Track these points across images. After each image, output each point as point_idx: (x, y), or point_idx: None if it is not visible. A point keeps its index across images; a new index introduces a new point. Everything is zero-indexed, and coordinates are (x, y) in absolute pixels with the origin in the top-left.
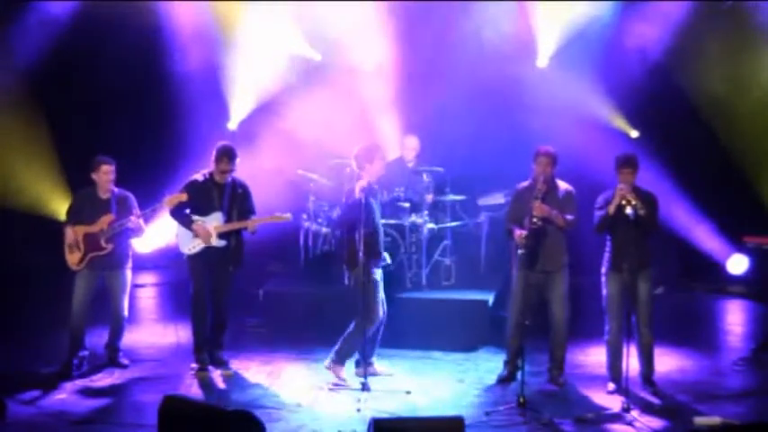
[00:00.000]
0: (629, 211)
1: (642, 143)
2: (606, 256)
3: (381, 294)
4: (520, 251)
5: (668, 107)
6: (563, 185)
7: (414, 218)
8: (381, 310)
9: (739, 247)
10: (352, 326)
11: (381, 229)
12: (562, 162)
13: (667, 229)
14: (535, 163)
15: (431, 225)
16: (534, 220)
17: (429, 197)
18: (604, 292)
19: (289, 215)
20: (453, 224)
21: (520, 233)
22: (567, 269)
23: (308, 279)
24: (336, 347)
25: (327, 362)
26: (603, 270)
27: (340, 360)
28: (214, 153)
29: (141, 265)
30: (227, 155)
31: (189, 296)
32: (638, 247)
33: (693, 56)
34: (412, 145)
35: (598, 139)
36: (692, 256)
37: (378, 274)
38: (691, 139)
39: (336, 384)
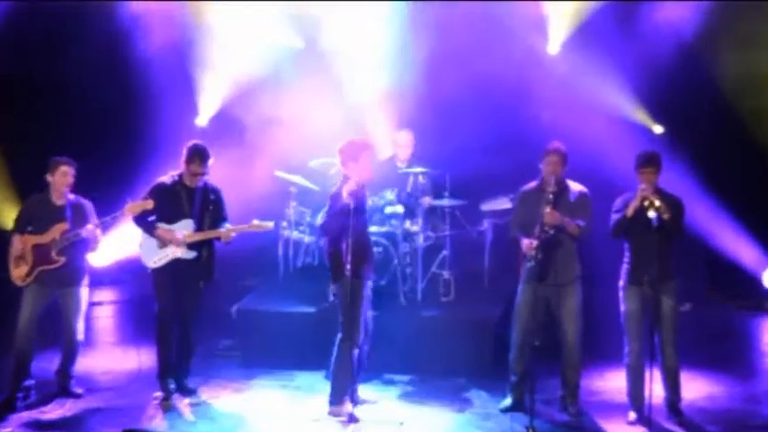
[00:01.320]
0: (652, 214)
1: (667, 140)
2: (625, 267)
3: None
4: (529, 263)
5: (697, 99)
6: (576, 187)
7: (408, 225)
8: (364, 329)
9: None
10: (335, 355)
11: (370, 238)
12: (575, 161)
13: (695, 238)
14: (543, 162)
15: (427, 233)
16: (546, 228)
17: (425, 201)
18: (623, 308)
19: (270, 223)
20: (453, 232)
21: (529, 243)
22: (579, 281)
23: (288, 295)
24: (331, 388)
25: (329, 409)
26: (621, 283)
27: (339, 399)
28: (185, 153)
29: (98, 280)
30: (200, 156)
31: (153, 315)
32: (662, 257)
33: (727, 41)
34: (406, 141)
35: (616, 135)
36: (723, 268)
37: (367, 288)
38: (722, 135)
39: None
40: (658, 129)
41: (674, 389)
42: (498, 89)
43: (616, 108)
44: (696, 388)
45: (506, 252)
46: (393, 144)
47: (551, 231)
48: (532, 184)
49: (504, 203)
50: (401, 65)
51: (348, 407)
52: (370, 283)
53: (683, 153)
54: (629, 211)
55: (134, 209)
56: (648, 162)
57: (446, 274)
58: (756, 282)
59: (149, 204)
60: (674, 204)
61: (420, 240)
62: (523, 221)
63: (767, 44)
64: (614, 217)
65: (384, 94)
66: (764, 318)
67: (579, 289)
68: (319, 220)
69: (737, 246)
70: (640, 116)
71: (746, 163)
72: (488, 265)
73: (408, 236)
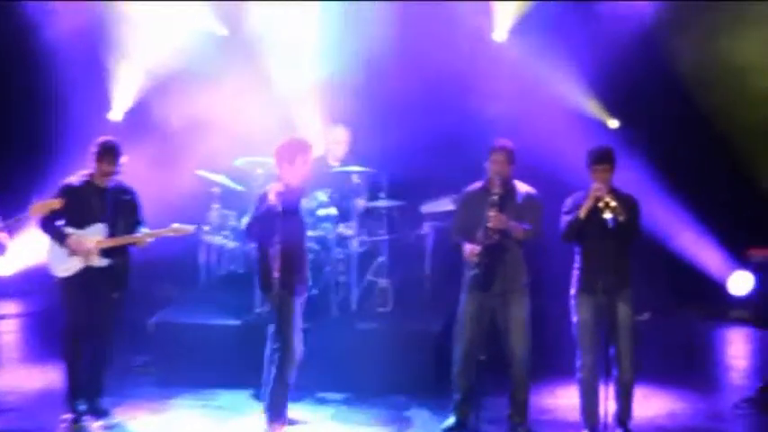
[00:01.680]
0: (608, 215)
1: (623, 135)
2: (576, 273)
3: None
4: (472, 271)
5: (657, 91)
6: (523, 188)
7: (341, 229)
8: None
9: (743, 261)
10: (273, 371)
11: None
12: (524, 158)
13: (654, 241)
14: (489, 161)
15: (362, 238)
16: (490, 233)
17: (360, 203)
18: (575, 318)
19: (190, 227)
20: (390, 237)
21: (472, 249)
22: (527, 290)
23: (211, 306)
24: (266, 403)
25: (266, 426)
26: (573, 291)
27: (278, 416)
28: (95, 150)
29: (2, 291)
30: (111, 153)
31: (61, 329)
32: (617, 262)
33: (690, 29)
34: (340, 138)
35: (568, 129)
36: (684, 274)
37: (297, 303)
38: (683, 130)
39: None
40: (614, 123)
41: (625, 405)
42: (441, 81)
43: (569, 100)
44: (656, 404)
45: (449, 258)
46: (327, 141)
47: (496, 237)
48: (477, 184)
49: (446, 205)
50: (336, 54)
51: (285, 429)
52: (301, 299)
53: (640, 149)
54: (582, 213)
55: (40, 209)
56: (602, 159)
57: (383, 282)
58: (722, 288)
59: (57, 204)
60: (628, 205)
61: (354, 245)
62: (466, 225)
63: (733, 33)
64: (565, 219)
65: (317, 87)
66: (730, 328)
67: (526, 298)
68: (243, 225)
69: (701, 249)
70: (595, 109)
71: (710, 160)
72: (429, 272)
73: (342, 240)
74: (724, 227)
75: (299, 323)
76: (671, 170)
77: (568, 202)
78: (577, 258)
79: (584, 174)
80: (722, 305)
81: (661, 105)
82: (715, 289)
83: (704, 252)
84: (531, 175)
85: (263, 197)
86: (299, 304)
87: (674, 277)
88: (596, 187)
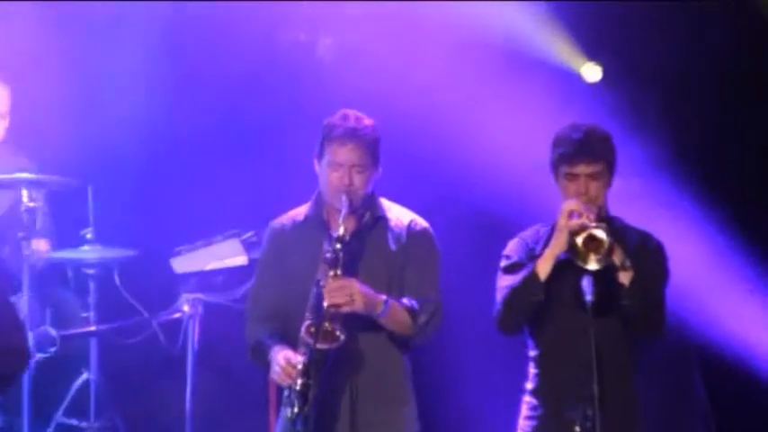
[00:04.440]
0: (591, 266)
1: (617, 98)
2: (528, 403)
3: None
4: (286, 410)
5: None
6: (401, 216)
7: None
8: None
9: None
10: None
11: None
12: (408, 153)
13: (684, 331)
14: (323, 161)
15: (45, 329)
16: (326, 325)
17: (40, 249)
18: None
19: None
20: (106, 326)
21: (286, 364)
22: (412, 407)
23: None
24: None
25: None
26: (525, 413)
27: None
28: None
29: None
30: None
31: None
32: (615, 379)
33: None
34: None
35: (505, 87)
36: (748, 396)
37: None
38: (732, 92)
39: None
40: (593, 73)
41: None
42: None
43: (505, 32)
44: None
45: (234, 369)
46: None
47: (341, 335)
48: (299, 210)
49: (230, 255)
50: None
51: None
52: None
53: (654, 130)
54: (542, 265)
55: None
56: (583, 150)
57: (92, 427)
58: None
59: None
60: (643, 252)
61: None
62: (280, 301)
63: None
64: (505, 281)
65: None
66: None
67: (414, 427)
68: None
69: None
70: (563, 51)
71: None
72: (192, 402)
73: None
74: None
75: None
76: (716, 176)
77: (513, 247)
78: (531, 368)
79: (544, 184)
80: None
81: (687, 41)
82: None
83: None
84: (423, 188)
85: None
86: None
87: (727, 404)
88: (570, 207)
